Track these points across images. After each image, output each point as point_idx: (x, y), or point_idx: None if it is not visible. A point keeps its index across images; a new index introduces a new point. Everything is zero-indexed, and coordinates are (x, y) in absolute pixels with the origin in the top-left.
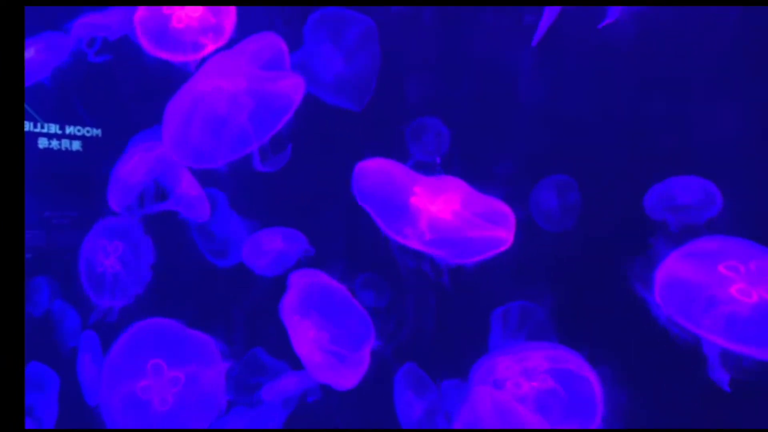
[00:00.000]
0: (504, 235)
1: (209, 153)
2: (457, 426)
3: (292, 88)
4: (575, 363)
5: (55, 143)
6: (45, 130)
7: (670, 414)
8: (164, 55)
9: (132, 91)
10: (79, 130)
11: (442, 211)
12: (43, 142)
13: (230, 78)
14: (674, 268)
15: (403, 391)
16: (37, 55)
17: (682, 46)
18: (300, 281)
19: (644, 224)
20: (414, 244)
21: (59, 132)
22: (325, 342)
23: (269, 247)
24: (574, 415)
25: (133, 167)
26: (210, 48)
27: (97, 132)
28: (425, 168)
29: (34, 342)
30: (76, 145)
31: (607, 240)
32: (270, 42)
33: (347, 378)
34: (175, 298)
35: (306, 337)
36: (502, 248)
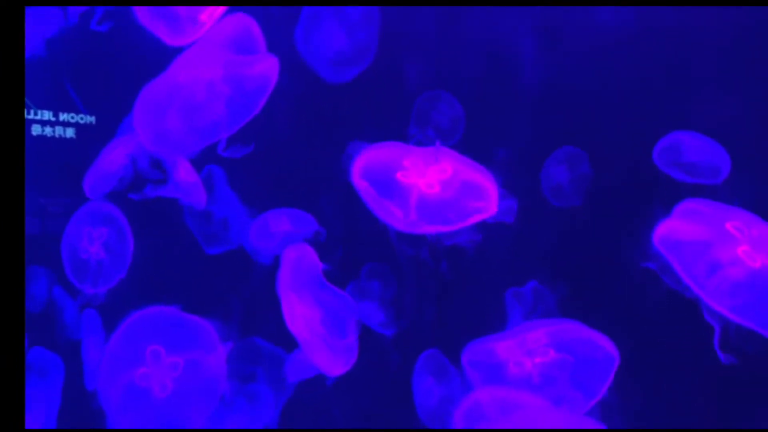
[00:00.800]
0: (493, 204)
1: (187, 141)
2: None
3: (268, 70)
4: (577, 331)
5: (48, 130)
6: (38, 117)
7: (677, 395)
8: (161, 33)
9: (126, 78)
10: (72, 117)
11: (431, 184)
12: (36, 129)
13: (207, 65)
14: (680, 225)
15: (423, 376)
16: (29, 27)
17: (683, 37)
18: (291, 256)
19: (647, 214)
20: (407, 223)
21: (53, 119)
22: (316, 323)
23: (277, 228)
24: (584, 381)
25: (113, 155)
26: (207, 27)
27: (91, 119)
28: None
29: (33, 330)
30: (70, 133)
31: (612, 224)
32: (243, 24)
33: (336, 364)
34: (172, 285)
35: (297, 314)
36: (489, 214)
